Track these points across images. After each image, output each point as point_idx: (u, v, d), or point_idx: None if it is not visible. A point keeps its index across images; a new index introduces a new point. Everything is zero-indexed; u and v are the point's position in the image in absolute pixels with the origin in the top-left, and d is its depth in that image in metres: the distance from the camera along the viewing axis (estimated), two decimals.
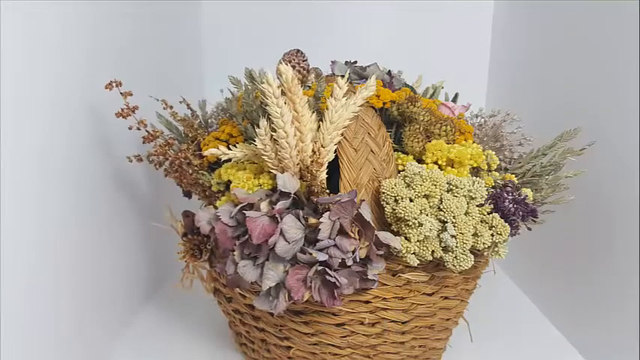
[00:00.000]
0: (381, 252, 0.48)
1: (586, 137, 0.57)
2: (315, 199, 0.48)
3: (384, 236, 0.47)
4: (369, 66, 0.66)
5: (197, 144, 0.61)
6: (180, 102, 0.66)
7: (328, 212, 0.46)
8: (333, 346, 0.55)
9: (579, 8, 0.69)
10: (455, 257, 0.48)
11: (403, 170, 0.50)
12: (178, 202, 0.66)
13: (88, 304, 0.62)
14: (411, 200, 0.48)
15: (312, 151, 0.50)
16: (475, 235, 0.48)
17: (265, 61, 0.59)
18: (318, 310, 0.53)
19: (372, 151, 0.51)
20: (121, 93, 0.57)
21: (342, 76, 0.51)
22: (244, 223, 0.46)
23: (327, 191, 0.50)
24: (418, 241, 0.48)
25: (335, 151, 0.51)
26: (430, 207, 0.48)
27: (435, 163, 0.53)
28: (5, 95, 0.46)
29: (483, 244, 0.48)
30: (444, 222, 0.48)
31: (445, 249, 0.48)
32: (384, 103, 0.56)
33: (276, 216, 0.46)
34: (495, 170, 0.56)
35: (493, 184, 0.54)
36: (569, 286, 0.72)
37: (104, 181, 0.66)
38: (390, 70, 0.66)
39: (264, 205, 0.47)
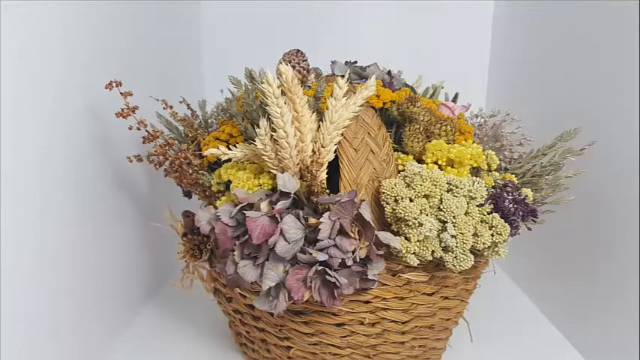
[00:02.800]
0: (381, 252, 0.48)
1: (586, 137, 0.57)
2: (315, 199, 0.48)
3: (384, 236, 0.47)
4: (369, 66, 0.66)
5: (197, 144, 0.61)
6: (181, 102, 0.66)
7: (328, 212, 0.46)
8: (333, 346, 0.55)
9: (579, 8, 0.69)
10: (455, 257, 0.48)
11: (403, 170, 0.50)
12: (178, 202, 0.66)
13: (88, 304, 0.62)
14: (411, 200, 0.48)
15: (312, 151, 0.50)
16: (475, 235, 0.48)
17: (265, 61, 0.59)
18: (318, 310, 0.53)
19: (372, 151, 0.51)
20: (121, 93, 0.57)
21: (342, 76, 0.51)
22: (244, 223, 0.46)
23: (327, 191, 0.50)
24: (418, 241, 0.48)
25: (335, 151, 0.51)
26: (430, 207, 0.48)
27: (435, 163, 0.53)
28: (5, 95, 0.46)
29: (483, 244, 0.48)
30: (444, 222, 0.48)
31: (445, 249, 0.48)
32: (384, 103, 0.56)
33: (276, 216, 0.46)
34: (495, 170, 0.56)
35: (493, 184, 0.54)
36: (569, 286, 0.72)
37: (104, 180, 0.66)
38: (390, 70, 0.66)
39: (264, 205, 0.47)
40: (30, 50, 0.50)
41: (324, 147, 0.50)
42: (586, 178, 0.57)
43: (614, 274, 0.62)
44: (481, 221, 0.49)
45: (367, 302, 0.52)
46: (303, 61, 0.60)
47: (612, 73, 0.62)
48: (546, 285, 0.79)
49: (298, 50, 0.60)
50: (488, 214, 0.49)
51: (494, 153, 0.55)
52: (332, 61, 0.67)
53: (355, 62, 0.67)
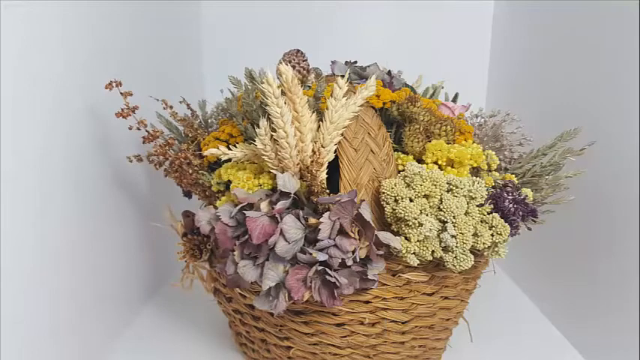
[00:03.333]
0: (381, 252, 0.48)
1: (586, 137, 0.57)
2: (315, 199, 0.48)
3: (384, 236, 0.47)
4: (369, 66, 0.66)
5: (197, 144, 0.61)
6: (180, 102, 0.66)
7: (328, 212, 0.46)
8: (333, 346, 0.55)
9: (579, 8, 0.69)
10: (455, 257, 0.48)
11: (403, 170, 0.50)
12: (178, 202, 0.66)
13: (88, 304, 0.62)
14: (411, 200, 0.48)
15: (312, 151, 0.50)
16: (475, 235, 0.48)
17: (265, 61, 0.59)
18: (318, 310, 0.53)
19: (372, 151, 0.51)
20: (121, 93, 0.57)
21: (342, 76, 0.51)
22: (244, 223, 0.46)
23: (327, 191, 0.50)
24: (418, 241, 0.48)
25: (335, 151, 0.51)
26: (430, 207, 0.48)
27: (435, 163, 0.53)
28: (5, 95, 0.46)
29: (483, 244, 0.48)
30: (444, 222, 0.48)
31: (445, 249, 0.48)
32: (384, 103, 0.56)
33: (276, 216, 0.46)
34: (495, 170, 0.56)
35: (493, 184, 0.54)
36: (569, 286, 0.72)
37: (104, 180, 0.66)
38: (390, 70, 0.66)
39: (264, 205, 0.47)
40: (30, 50, 0.50)
41: (324, 147, 0.50)
42: (586, 178, 0.57)
43: (614, 274, 0.62)
44: (481, 221, 0.49)
45: (367, 302, 0.52)
46: (303, 61, 0.60)
47: (612, 73, 0.62)
48: (546, 285, 0.79)
49: (298, 50, 0.60)
50: (488, 214, 0.49)
51: (494, 153, 0.55)
52: (332, 61, 0.67)
53: (355, 62, 0.67)
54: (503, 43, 0.97)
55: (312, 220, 0.46)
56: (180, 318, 0.78)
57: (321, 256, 0.45)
